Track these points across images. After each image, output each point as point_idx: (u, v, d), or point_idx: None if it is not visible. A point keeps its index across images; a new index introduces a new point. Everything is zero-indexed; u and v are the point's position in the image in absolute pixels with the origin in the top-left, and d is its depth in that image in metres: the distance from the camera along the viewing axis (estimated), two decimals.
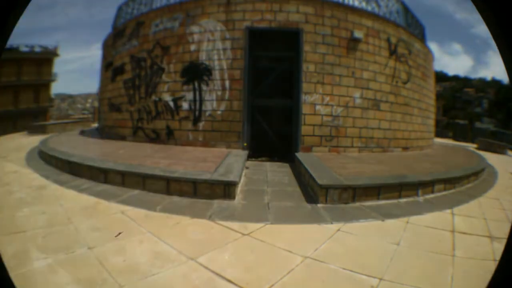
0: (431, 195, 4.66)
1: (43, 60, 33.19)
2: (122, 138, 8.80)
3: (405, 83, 8.50)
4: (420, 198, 4.48)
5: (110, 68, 9.91)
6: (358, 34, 7.29)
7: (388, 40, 8.00)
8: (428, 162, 6.61)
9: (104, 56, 10.97)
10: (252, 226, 3.16)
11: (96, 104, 32.56)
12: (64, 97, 78.90)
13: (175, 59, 7.66)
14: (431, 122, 10.80)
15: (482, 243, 3.07)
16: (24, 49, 31.32)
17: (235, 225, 3.18)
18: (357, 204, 4.05)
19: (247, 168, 5.81)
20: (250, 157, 6.81)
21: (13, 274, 1.83)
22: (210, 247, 2.66)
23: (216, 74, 7.20)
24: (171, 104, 7.66)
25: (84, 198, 3.99)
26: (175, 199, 4.02)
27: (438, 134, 17.31)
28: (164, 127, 7.82)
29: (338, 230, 3.17)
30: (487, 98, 52.61)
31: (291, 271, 2.32)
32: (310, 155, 6.48)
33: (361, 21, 7.51)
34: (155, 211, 3.54)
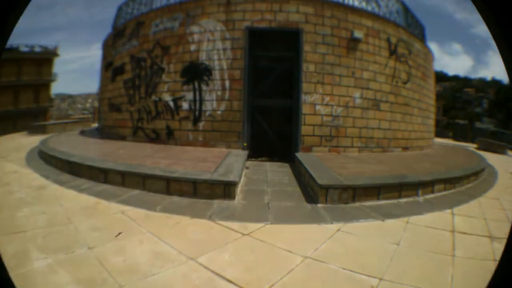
0: (431, 195, 4.66)
1: (43, 60, 33.18)
2: (122, 138, 8.80)
3: (405, 83, 8.50)
4: (420, 198, 4.48)
5: (110, 68, 9.91)
6: (358, 34, 7.29)
7: (388, 40, 8.00)
8: (428, 162, 6.61)
9: (104, 56, 10.97)
10: (252, 226, 3.16)
11: (96, 104, 32.57)
12: (64, 97, 78.91)
13: (175, 59, 7.66)
14: (431, 122, 10.80)
15: (482, 243, 3.07)
16: (24, 49, 31.33)
17: (235, 225, 3.18)
18: (357, 204, 4.05)
19: (247, 168, 5.81)
20: (250, 157, 6.81)
21: (13, 274, 1.83)
22: (210, 247, 2.66)
23: (216, 74, 7.20)
24: (171, 104, 7.66)
25: (84, 198, 3.99)
26: (175, 199, 4.02)
27: (438, 134, 17.31)
28: (164, 127, 7.82)
29: (338, 230, 3.17)
30: (487, 98, 52.62)
31: (291, 271, 2.32)
32: (310, 155, 6.48)
33: (361, 21, 7.51)
34: (155, 211, 3.54)
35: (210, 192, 4.06)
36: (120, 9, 10.39)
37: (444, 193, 4.85)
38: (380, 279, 2.25)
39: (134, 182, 4.43)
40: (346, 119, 7.29)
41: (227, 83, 7.15)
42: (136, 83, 8.53)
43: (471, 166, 6.49)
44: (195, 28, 7.42)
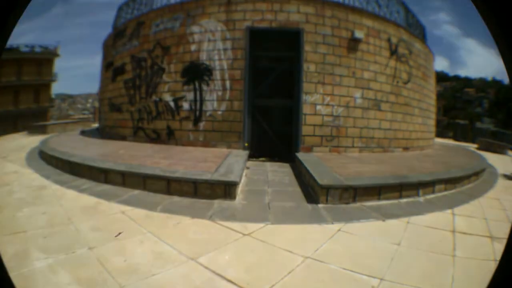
0: (432, 195, 4.65)
1: (43, 60, 33.19)
2: (123, 138, 8.80)
3: (405, 83, 8.49)
4: (421, 198, 4.48)
5: (111, 68, 9.92)
6: (359, 34, 7.29)
7: (388, 40, 7.99)
8: (428, 162, 6.60)
9: (105, 56, 10.98)
10: (252, 226, 3.16)
11: (96, 104, 32.55)
12: (64, 97, 79.00)
13: (175, 59, 7.66)
14: (432, 122, 10.79)
15: (482, 243, 3.07)
16: (24, 49, 31.35)
17: (235, 225, 3.18)
18: (358, 204, 4.05)
19: (247, 168, 5.81)
20: (250, 157, 6.81)
21: (13, 274, 1.83)
22: (211, 247, 2.66)
23: (217, 74, 7.20)
24: (172, 104, 7.66)
25: (84, 198, 3.99)
26: (176, 199, 4.02)
27: (439, 134, 17.27)
28: (164, 127, 7.82)
29: (339, 230, 3.17)
30: (487, 98, 52.59)
31: (292, 271, 2.32)
32: (311, 155, 6.48)
33: (361, 21, 7.51)
34: (156, 211, 3.54)
35: (210, 192, 4.06)
36: (120, 9, 10.40)
37: (444, 193, 4.85)
38: (381, 279, 2.24)
39: (135, 182, 4.43)
40: (346, 119, 7.28)
41: (227, 83, 7.15)
42: (136, 83, 8.53)
43: (471, 166, 6.48)
44: (195, 28, 7.42)
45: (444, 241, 3.04)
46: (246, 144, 7.08)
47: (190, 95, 7.44)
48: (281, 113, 7.40)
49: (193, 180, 4.13)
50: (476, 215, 3.94)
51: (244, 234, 2.97)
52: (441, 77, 54.98)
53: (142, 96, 8.34)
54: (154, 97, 8.01)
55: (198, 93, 7.36)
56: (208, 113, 7.28)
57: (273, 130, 7.35)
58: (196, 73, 7.36)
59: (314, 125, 7.06)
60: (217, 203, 3.88)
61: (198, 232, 3.02)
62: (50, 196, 4.08)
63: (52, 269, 2.24)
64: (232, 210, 3.67)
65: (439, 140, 14.72)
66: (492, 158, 9.91)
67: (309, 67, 7.02)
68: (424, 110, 9.62)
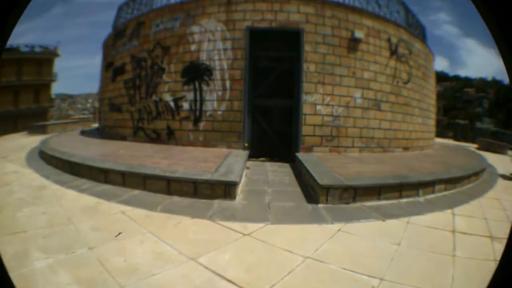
0: (432, 195, 4.65)
1: (43, 60, 33.18)
2: (123, 138, 8.80)
3: (405, 83, 8.49)
4: (421, 198, 4.48)
5: (111, 68, 9.92)
6: (359, 34, 7.29)
7: (388, 40, 7.99)
8: (428, 162, 6.60)
9: (105, 56, 10.98)
10: (252, 226, 3.16)
11: (96, 104, 32.55)
12: (64, 97, 79.01)
13: (175, 59, 7.66)
14: (432, 122, 10.79)
15: (482, 243, 3.07)
16: (24, 49, 31.33)
17: (235, 225, 3.18)
18: (358, 204, 4.05)
19: (247, 168, 5.81)
20: (250, 157, 6.81)
21: (13, 274, 1.83)
22: (211, 247, 2.66)
23: (217, 74, 7.20)
24: (172, 104, 7.66)
25: (84, 198, 3.99)
26: (176, 199, 4.02)
27: (439, 134, 17.28)
28: (164, 127, 7.82)
29: (339, 230, 3.17)
30: (487, 98, 52.57)
31: (292, 271, 2.32)
32: (311, 155, 6.48)
33: (361, 21, 7.51)
34: (156, 211, 3.54)
35: (210, 192, 4.06)
36: (120, 9, 10.40)
37: (444, 193, 4.85)
38: (381, 279, 2.24)
39: (135, 182, 4.43)
40: (346, 119, 7.28)
41: (227, 83, 7.15)
42: (136, 83, 8.53)
43: (471, 166, 6.48)
44: (195, 28, 7.42)
45: (444, 241, 3.04)
46: (246, 144, 7.08)
47: (190, 95, 7.44)
48: (281, 113, 7.40)
49: (193, 180, 4.13)
50: (476, 215, 3.94)
51: (244, 234, 2.97)
52: (441, 77, 54.97)
53: (142, 96, 8.34)
54: (154, 97, 8.01)
55: (198, 93, 7.36)
56: (208, 113, 7.28)
57: (273, 130, 7.36)
58: (196, 73, 7.36)
59: (314, 125, 7.06)
60: (217, 203, 3.88)
61: (198, 232, 3.02)
62: (50, 196, 4.08)
63: (52, 269, 2.24)
64: (232, 210, 3.67)
65: (439, 140, 14.72)
66: (492, 158, 9.91)
67: (309, 67, 7.02)
68: (424, 110, 9.63)
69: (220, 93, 7.19)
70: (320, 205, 3.93)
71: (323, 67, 7.10)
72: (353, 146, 7.38)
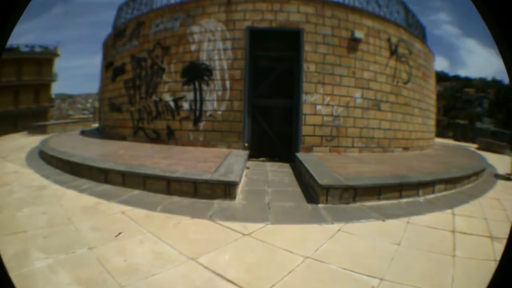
0: (432, 195, 4.65)
1: (43, 60, 33.17)
2: (123, 138, 8.80)
3: (405, 83, 8.49)
4: (421, 198, 4.48)
5: (111, 68, 9.92)
6: (359, 34, 7.29)
7: (388, 40, 7.99)
8: (428, 162, 6.60)
9: (105, 56, 10.98)
10: (252, 226, 3.16)
11: (96, 104, 32.55)
12: (64, 97, 79.00)
13: (175, 59, 7.66)
14: (432, 122, 10.79)
15: (482, 243, 3.07)
16: (24, 49, 31.32)
17: (235, 225, 3.18)
18: (358, 204, 4.05)
19: (247, 168, 5.81)
20: (250, 157, 6.81)
21: (13, 274, 1.83)
22: (211, 247, 2.66)
23: (217, 74, 7.20)
24: (172, 104, 7.66)
25: (84, 198, 3.99)
26: (176, 199, 4.02)
27: (439, 134, 17.28)
28: (164, 127, 7.82)
29: (339, 230, 3.17)
30: (487, 98, 52.55)
31: (292, 271, 2.32)
32: (311, 155, 6.48)
33: (361, 21, 7.51)
34: (156, 211, 3.54)
35: (210, 192, 4.06)
36: (120, 9, 10.40)
37: (444, 193, 4.85)
38: (381, 279, 2.24)
39: (135, 182, 4.43)
40: (346, 119, 7.28)
41: (227, 83, 7.15)
42: (136, 83, 8.53)
43: (471, 166, 6.48)
44: (195, 28, 7.42)
45: (444, 241, 3.04)
46: (246, 144, 7.08)
47: (190, 95, 7.44)
48: (281, 113, 7.40)
49: (193, 180, 4.13)
50: (476, 215, 3.94)
51: (244, 234, 2.97)
52: (441, 77, 54.95)
53: (142, 96, 8.34)
54: (154, 97, 8.01)
55: (198, 93, 7.36)
56: (208, 113, 7.28)
57: (273, 130, 7.35)
58: (196, 73, 7.36)
59: (314, 125, 7.06)
60: (217, 203, 3.88)
61: (198, 232, 3.02)
62: (50, 196, 4.08)
63: (52, 269, 2.24)
64: (232, 210, 3.67)
65: (439, 140, 14.72)
66: (492, 158, 9.91)
67: (309, 67, 7.02)
68: (424, 110, 9.63)
69: (220, 93, 7.19)
70: (320, 205, 3.93)
71: (323, 67, 7.10)
72: (353, 146, 7.38)
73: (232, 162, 5.33)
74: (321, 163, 5.52)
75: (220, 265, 2.36)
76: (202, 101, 7.33)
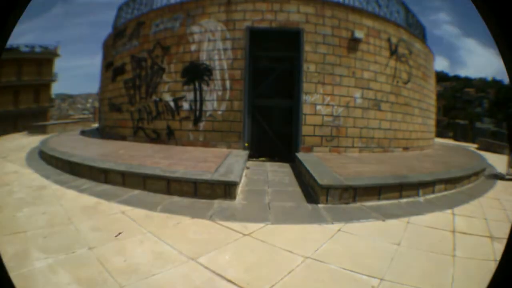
0: (432, 195, 4.65)
1: (43, 60, 33.17)
2: (123, 138, 8.80)
3: (405, 83, 8.49)
4: (421, 198, 4.48)
5: (111, 68, 9.92)
6: (359, 34, 7.29)
7: (388, 40, 7.99)
8: (428, 162, 6.60)
9: (105, 56, 10.98)
10: (252, 226, 3.16)
11: (96, 104, 32.53)
12: (64, 97, 78.99)
13: (175, 59, 7.66)
14: (432, 122, 10.79)
15: (482, 243, 3.07)
16: (24, 49, 31.33)
17: (235, 225, 3.18)
18: (358, 204, 4.05)
19: (247, 168, 5.81)
20: (250, 157, 6.81)
21: (13, 274, 1.83)
22: (211, 247, 2.66)
23: (217, 74, 7.20)
24: (172, 104, 7.66)
25: (84, 198, 3.99)
26: (176, 199, 4.02)
27: (439, 134, 17.30)
28: (164, 127, 7.82)
29: (339, 230, 3.17)
30: (487, 98, 52.52)
31: (292, 271, 2.32)
32: (311, 155, 6.48)
33: (361, 21, 7.51)
34: (156, 211, 3.54)
35: (210, 192, 4.06)
36: (120, 9, 10.40)
37: (444, 193, 4.85)
38: (381, 279, 2.24)
39: (135, 182, 4.43)
40: (346, 119, 7.28)
41: (227, 83, 7.15)
42: (136, 83, 8.53)
43: (471, 166, 6.48)
44: (195, 28, 7.42)
45: (444, 241, 3.04)
46: (246, 144, 7.08)
47: (190, 95, 7.44)
48: (281, 113, 7.40)
49: (193, 180, 4.13)
50: (476, 215, 3.94)
51: (244, 234, 2.97)
52: (441, 77, 54.93)
53: (142, 96, 8.34)
54: (154, 97, 8.01)
55: (198, 93, 7.36)
56: (208, 113, 7.28)
57: (273, 130, 7.35)
58: (196, 73, 7.36)
59: (314, 125, 7.06)
60: (217, 203, 3.88)
61: (198, 232, 3.02)
62: (50, 196, 4.08)
63: (52, 269, 2.24)
64: (232, 210, 3.67)
65: (439, 140, 14.72)
66: (492, 158, 9.91)
67: (309, 67, 7.02)
68: (424, 110, 9.63)
69: (220, 93, 7.19)
70: (320, 205, 3.93)
71: (323, 67, 7.10)
72: (353, 146, 7.38)
73: (232, 162, 5.33)
74: (321, 163, 5.52)
75: (220, 265, 2.36)
76: (202, 101, 7.33)
